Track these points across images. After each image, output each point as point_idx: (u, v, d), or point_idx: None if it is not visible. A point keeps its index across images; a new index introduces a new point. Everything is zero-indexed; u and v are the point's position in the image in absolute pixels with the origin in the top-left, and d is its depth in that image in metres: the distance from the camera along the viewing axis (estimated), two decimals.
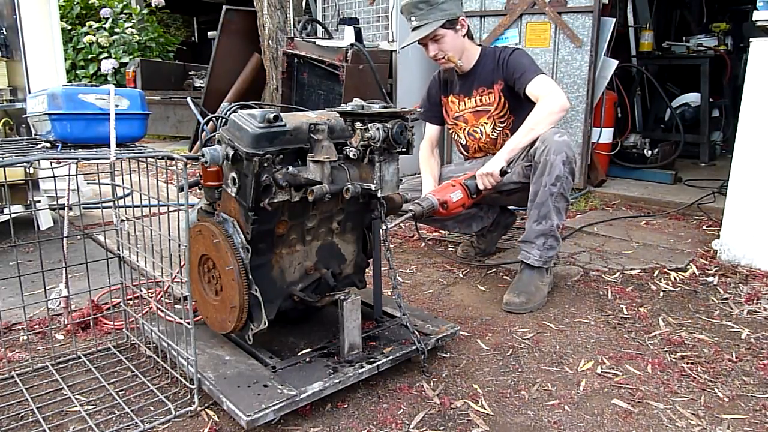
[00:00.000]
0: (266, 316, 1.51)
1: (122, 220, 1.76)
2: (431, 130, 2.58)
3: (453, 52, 2.28)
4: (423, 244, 2.90)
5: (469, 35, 2.35)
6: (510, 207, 2.65)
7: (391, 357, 1.59)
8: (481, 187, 2.14)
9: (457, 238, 2.89)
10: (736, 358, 1.76)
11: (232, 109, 1.55)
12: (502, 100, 2.30)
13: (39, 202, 2.93)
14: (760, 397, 1.56)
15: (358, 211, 1.70)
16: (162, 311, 1.69)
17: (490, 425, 1.44)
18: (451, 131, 2.54)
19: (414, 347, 1.63)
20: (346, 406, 1.51)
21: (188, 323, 1.41)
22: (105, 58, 6.88)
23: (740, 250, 2.50)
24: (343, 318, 1.56)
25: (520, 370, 1.70)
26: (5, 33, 2.98)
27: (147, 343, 1.73)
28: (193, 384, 1.46)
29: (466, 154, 2.52)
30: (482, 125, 2.38)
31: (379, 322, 1.80)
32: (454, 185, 2.14)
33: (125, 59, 6.84)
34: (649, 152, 4.24)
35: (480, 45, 2.40)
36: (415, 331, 1.65)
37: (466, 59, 2.34)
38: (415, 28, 2.26)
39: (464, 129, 2.44)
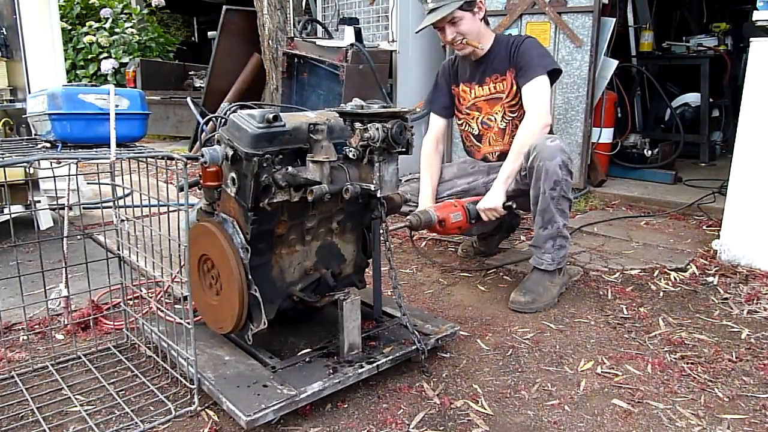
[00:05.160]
0: (266, 316, 1.51)
1: (122, 220, 1.76)
2: (436, 123, 2.51)
3: (471, 36, 2.23)
4: (423, 243, 2.91)
5: (485, 20, 2.30)
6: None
7: (391, 357, 1.59)
8: (484, 218, 2.15)
9: (457, 238, 2.89)
10: (736, 358, 1.76)
11: (232, 109, 1.55)
12: (515, 88, 2.28)
13: (39, 202, 2.93)
14: (760, 397, 1.56)
15: (358, 211, 1.70)
16: (162, 311, 1.69)
17: (490, 425, 1.44)
18: (461, 123, 2.48)
19: (414, 347, 1.63)
20: (346, 406, 1.51)
21: (188, 323, 1.41)
22: (105, 58, 6.88)
23: (740, 250, 2.50)
24: (342, 318, 1.56)
25: (520, 370, 1.70)
26: (5, 33, 2.98)
27: (147, 343, 1.73)
28: (193, 384, 1.46)
29: (477, 145, 2.46)
30: (495, 113, 2.35)
31: (379, 322, 1.80)
32: (456, 206, 2.14)
33: (125, 59, 6.84)
34: (649, 152, 4.23)
35: (493, 31, 2.36)
36: (415, 331, 1.65)
37: (483, 43, 2.29)
38: (431, 11, 2.19)
39: (477, 118, 2.40)
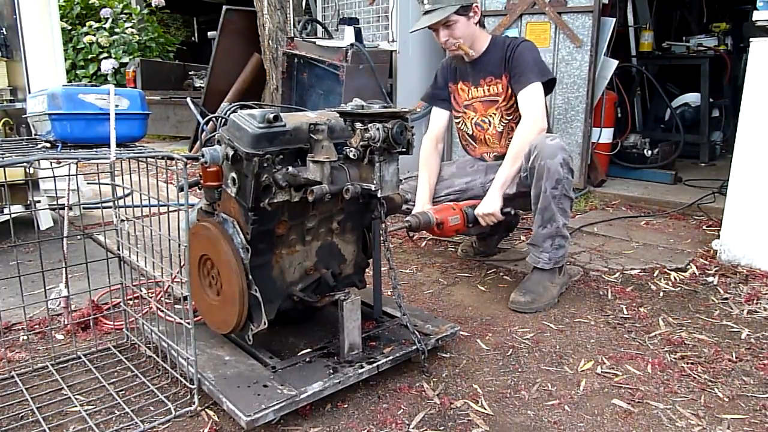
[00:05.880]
0: (266, 316, 1.51)
1: (122, 220, 1.76)
2: (437, 120, 2.51)
3: (464, 40, 2.25)
4: (423, 243, 2.91)
5: (481, 23, 2.32)
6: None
7: (391, 357, 1.59)
8: (482, 223, 2.16)
9: (458, 238, 2.89)
10: (736, 358, 1.76)
11: (232, 109, 1.55)
12: (510, 91, 2.29)
13: (39, 202, 2.93)
14: (760, 397, 1.56)
15: (358, 211, 1.70)
16: (162, 311, 1.69)
17: (490, 425, 1.44)
18: (458, 120, 2.49)
19: (414, 347, 1.63)
20: (346, 406, 1.51)
21: (188, 323, 1.41)
22: (105, 58, 6.88)
23: (740, 250, 2.50)
24: (343, 318, 1.56)
25: (520, 370, 1.70)
26: (5, 33, 2.98)
27: (147, 343, 1.73)
28: (193, 384, 1.46)
29: (473, 144, 2.46)
30: (491, 116, 2.36)
31: (379, 322, 1.80)
32: (454, 209, 2.14)
33: (125, 59, 6.84)
34: (649, 152, 4.24)
35: (490, 34, 2.37)
36: (415, 331, 1.65)
37: (477, 47, 2.31)
38: (427, 12, 2.22)
39: (473, 118, 2.41)
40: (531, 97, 2.19)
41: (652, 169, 4.20)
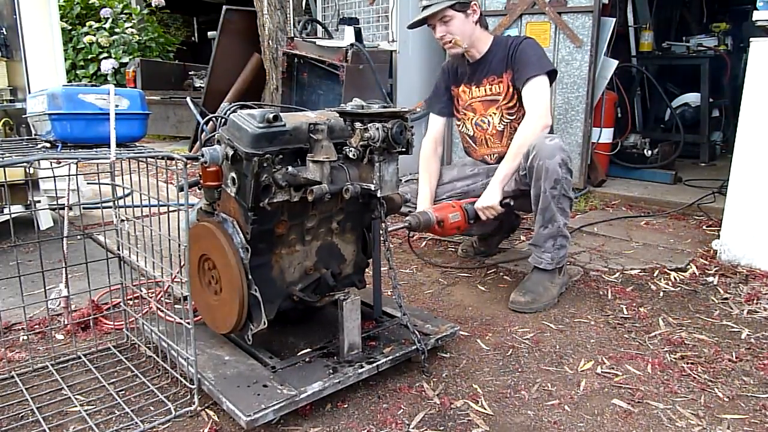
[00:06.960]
0: (266, 316, 1.51)
1: (122, 220, 1.76)
2: (435, 124, 2.52)
3: (461, 36, 2.25)
4: (423, 244, 2.91)
5: (482, 23, 2.32)
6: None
7: (390, 357, 1.59)
8: (482, 217, 2.16)
9: (458, 238, 2.89)
10: (736, 358, 1.76)
11: (232, 109, 1.55)
12: (511, 90, 2.28)
13: (39, 202, 2.93)
14: (760, 397, 1.56)
15: (358, 211, 1.70)
16: (162, 311, 1.69)
17: (490, 425, 1.44)
18: (459, 124, 2.49)
19: (414, 347, 1.63)
20: (346, 406, 1.51)
21: (188, 323, 1.41)
22: (105, 58, 6.88)
23: (740, 250, 2.50)
24: (342, 318, 1.56)
25: (520, 370, 1.70)
26: (5, 33, 2.98)
27: (147, 343, 1.73)
28: (193, 384, 1.46)
29: (474, 146, 2.46)
30: (490, 115, 2.35)
31: (379, 322, 1.80)
32: (454, 207, 2.14)
33: (125, 59, 6.84)
34: (649, 152, 4.23)
35: (492, 34, 2.37)
36: (415, 331, 1.65)
37: (477, 47, 2.31)
38: (425, 7, 2.22)
39: (472, 119, 2.41)
40: (535, 91, 2.18)
41: (652, 169, 4.20)
